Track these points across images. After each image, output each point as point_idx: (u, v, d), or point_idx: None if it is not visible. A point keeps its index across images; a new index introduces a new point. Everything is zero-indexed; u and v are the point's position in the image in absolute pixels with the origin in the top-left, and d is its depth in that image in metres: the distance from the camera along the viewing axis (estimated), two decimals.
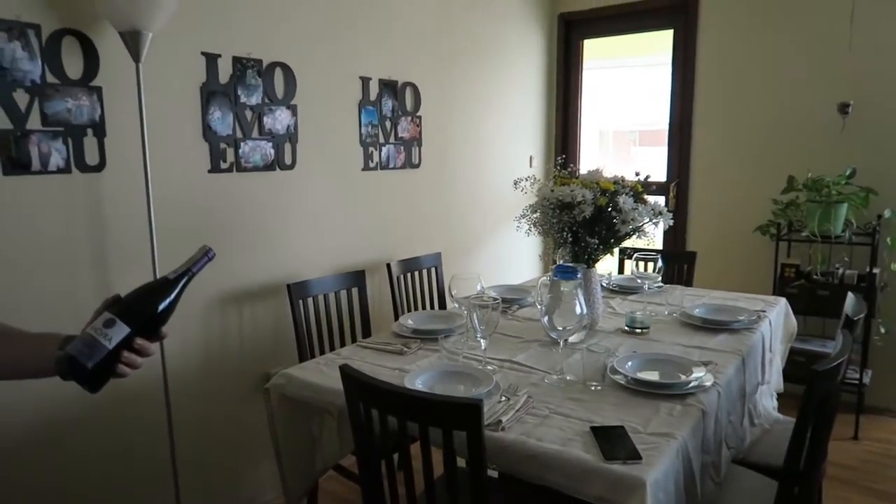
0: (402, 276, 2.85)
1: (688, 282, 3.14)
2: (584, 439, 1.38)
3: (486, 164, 3.65)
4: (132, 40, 1.85)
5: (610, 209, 2.04)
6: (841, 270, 3.19)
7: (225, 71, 2.30)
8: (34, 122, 1.82)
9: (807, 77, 3.41)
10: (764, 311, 2.37)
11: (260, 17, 2.39)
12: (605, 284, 2.80)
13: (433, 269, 3.05)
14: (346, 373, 1.41)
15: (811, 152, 3.42)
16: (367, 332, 2.58)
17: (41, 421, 1.91)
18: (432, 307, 2.99)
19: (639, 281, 2.46)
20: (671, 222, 2.13)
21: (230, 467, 2.45)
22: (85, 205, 1.96)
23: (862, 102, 3.24)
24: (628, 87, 4.35)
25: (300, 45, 2.54)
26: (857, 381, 3.16)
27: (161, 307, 1.02)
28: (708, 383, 1.65)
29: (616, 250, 2.72)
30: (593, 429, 1.41)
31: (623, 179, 2.15)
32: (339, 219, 2.81)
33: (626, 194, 2.07)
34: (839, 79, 3.30)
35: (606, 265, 3.06)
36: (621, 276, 2.71)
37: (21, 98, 1.78)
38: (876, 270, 3.11)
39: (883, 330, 3.24)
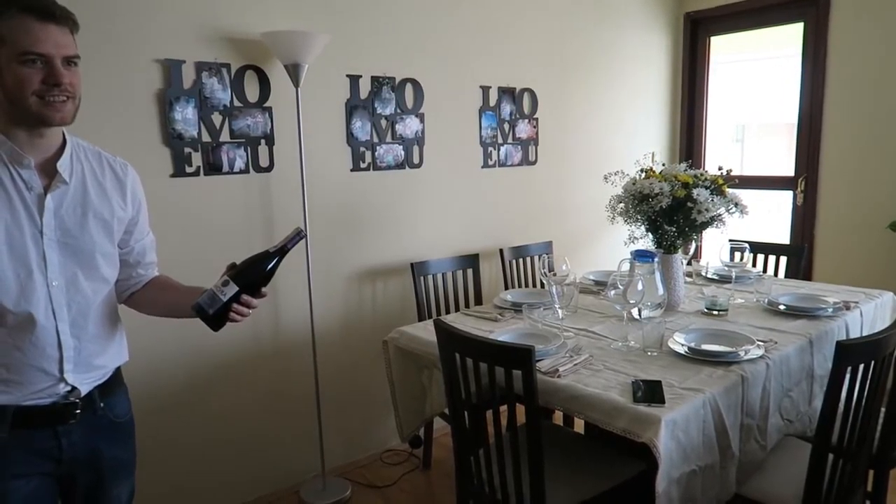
0: (513, 261, 3.22)
1: (801, 275, 3.17)
2: (622, 388, 1.68)
3: (604, 161, 3.88)
4: (293, 71, 2.41)
5: (688, 201, 2.26)
6: None
7: (365, 88, 2.82)
8: (225, 135, 2.45)
9: None
10: (856, 303, 2.43)
11: (393, 42, 2.88)
12: (703, 273, 2.96)
13: (545, 257, 3.38)
14: (438, 325, 1.82)
15: None
16: (478, 305, 2.99)
17: (225, 359, 2.54)
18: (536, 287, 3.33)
19: (727, 269, 2.62)
20: (747, 214, 2.29)
21: (364, 413, 2.99)
22: (259, 197, 2.56)
23: None
24: (757, 80, 4.32)
25: (427, 62, 3.00)
26: None
27: (261, 274, 1.36)
28: (756, 355, 1.85)
29: (728, 242, 2.88)
30: (634, 381, 1.70)
31: (704, 174, 2.35)
32: (460, 210, 3.24)
33: (705, 187, 2.27)
34: None
35: (712, 256, 3.20)
36: (718, 265, 2.84)
37: (216, 118, 2.42)
38: None
39: None
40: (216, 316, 1.35)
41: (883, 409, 1.92)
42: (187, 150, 2.36)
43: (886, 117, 3.51)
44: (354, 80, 2.78)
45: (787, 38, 3.92)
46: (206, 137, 2.40)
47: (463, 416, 1.84)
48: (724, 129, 4.44)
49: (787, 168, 3.99)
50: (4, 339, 1.25)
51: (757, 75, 4.28)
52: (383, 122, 2.90)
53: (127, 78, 2.21)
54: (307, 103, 2.60)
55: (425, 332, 2.22)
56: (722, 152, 4.45)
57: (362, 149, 2.85)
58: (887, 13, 3.44)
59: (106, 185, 1.38)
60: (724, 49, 4.32)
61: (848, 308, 2.36)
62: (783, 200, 4.03)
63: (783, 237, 4.04)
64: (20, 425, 1.28)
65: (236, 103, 2.46)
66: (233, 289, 1.33)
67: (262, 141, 2.55)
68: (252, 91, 2.50)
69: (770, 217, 4.12)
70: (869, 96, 3.56)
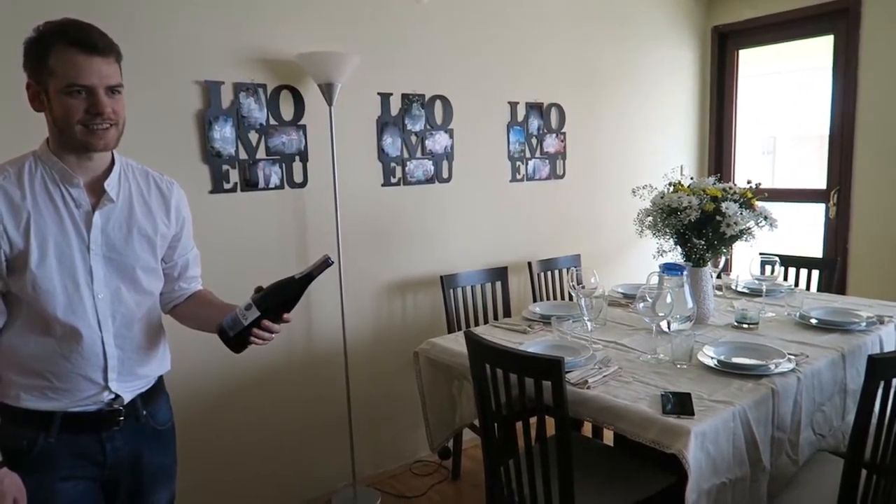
0: (541, 274, 3.25)
1: (833, 289, 3.13)
2: (652, 400, 1.69)
3: (632, 175, 3.89)
4: (327, 90, 2.49)
5: (716, 214, 2.27)
6: None
7: (395, 105, 2.89)
8: (261, 152, 2.53)
9: None
10: (891, 317, 2.40)
11: (423, 60, 2.95)
12: (733, 286, 2.95)
13: (574, 270, 3.40)
14: (469, 336, 1.86)
15: None
16: (507, 317, 3.01)
17: (259, 369, 2.61)
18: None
19: (758, 283, 2.61)
20: (777, 227, 2.28)
21: (394, 424, 3.03)
22: (293, 212, 2.64)
23: None
24: (788, 92, 4.29)
25: (456, 79, 3.07)
26: None
27: (284, 300, 1.36)
28: (787, 369, 1.84)
29: (758, 256, 2.87)
30: (663, 393, 1.71)
31: (733, 188, 2.35)
32: (488, 223, 3.29)
33: (733, 200, 2.28)
34: None
35: (743, 270, 3.18)
36: (748, 279, 2.83)
37: (253, 136, 2.51)
38: None
39: None
40: (236, 338, 1.36)
41: None
42: (225, 167, 2.45)
43: None
44: (385, 97, 2.85)
45: (818, 50, 3.91)
46: (242, 155, 2.49)
47: (493, 427, 1.87)
48: (754, 141, 4.42)
49: (820, 179, 3.95)
50: (53, 348, 1.32)
51: (787, 87, 4.26)
52: (413, 138, 2.96)
53: (170, 99, 2.31)
54: (340, 121, 2.67)
55: (456, 343, 2.26)
56: (752, 165, 4.42)
57: (393, 164, 2.91)
58: None
59: (151, 202, 1.45)
60: (754, 62, 4.31)
61: (882, 322, 2.34)
62: (816, 214, 3.99)
63: (816, 251, 3.99)
64: (67, 431, 1.35)
65: (272, 122, 2.55)
66: (255, 313, 1.34)
67: (297, 157, 2.63)
68: (287, 110, 2.59)
69: (803, 230, 4.08)
70: None
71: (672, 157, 4.16)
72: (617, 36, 3.76)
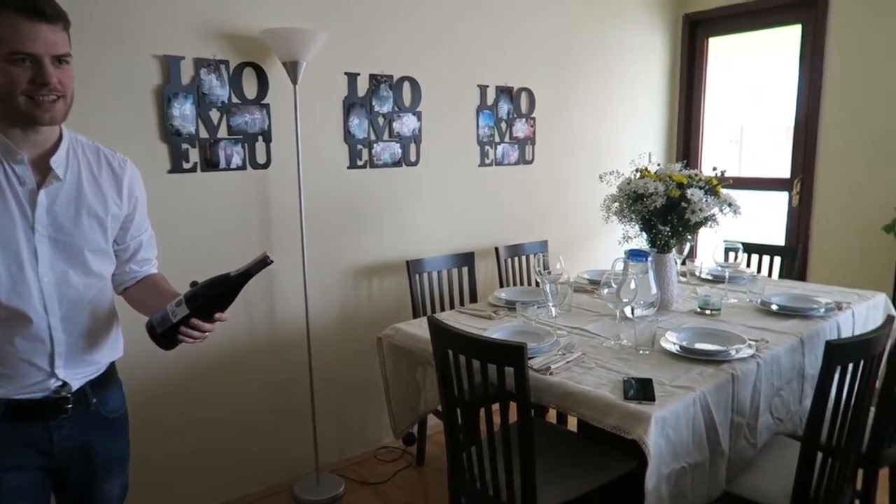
0: (508, 259, 3.24)
1: (794, 275, 3.18)
2: (614, 385, 1.69)
3: (600, 162, 3.89)
4: (292, 68, 2.42)
5: (682, 201, 2.27)
6: None
7: (363, 86, 2.83)
8: (223, 131, 2.45)
9: None
10: (849, 303, 2.44)
11: (392, 40, 2.89)
12: (696, 273, 2.98)
13: (541, 256, 3.40)
14: (431, 321, 1.83)
15: None
16: (473, 303, 3.00)
17: (219, 354, 2.56)
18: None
19: (721, 269, 2.63)
20: (740, 214, 2.30)
21: (358, 410, 3.01)
22: (256, 193, 2.57)
23: None
24: (756, 82, 4.33)
25: (425, 61, 3.02)
26: None
27: (217, 299, 1.29)
28: (747, 354, 1.86)
29: (723, 244, 2.90)
30: (626, 380, 1.71)
31: (698, 174, 2.36)
32: (456, 208, 3.26)
33: (699, 187, 2.28)
34: None
35: (706, 257, 3.21)
36: (712, 265, 2.86)
37: (214, 115, 2.43)
38: None
39: None
40: (164, 336, 1.30)
41: (873, 409, 1.94)
42: (185, 146, 2.37)
43: (883, 120, 3.52)
44: (352, 77, 2.79)
45: (788, 41, 3.94)
46: (203, 133, 2.41)
47: (456, 413, 1.86)
48: (722, 130, 4.46)
49: (785, 169, 4.01)
50: None
51: (756, 77, 4.29)
52: (381, 120, 2.91)
53: (126, 74, 2.22)
54: (305, 101, 2.61)
55: (420, 329, 2.24)
56: (719, 153, 4.46)
57: (359, 146, 2.86)
58: (885, 16, 3.46)
59: (102, 181, 1.38)
60: (724, 50, 4.33)
61: (840, 309, 2.38)
62: (779, 202, 4.05)
63: (779, 238, 4.06)
64: (11, 419, 1.29)
65: (234, 100, 2.47)
66: (184, 310, 1.27)
67: (260, 138, 2.56)
68: (250, 88, 2.51)
69: (766, 218, 4.14)
70: (866, 99, 3.58)
71: (641, 144, 4.17)
72: (588, 21, 3.74)
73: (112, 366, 1.49)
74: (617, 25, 3.93)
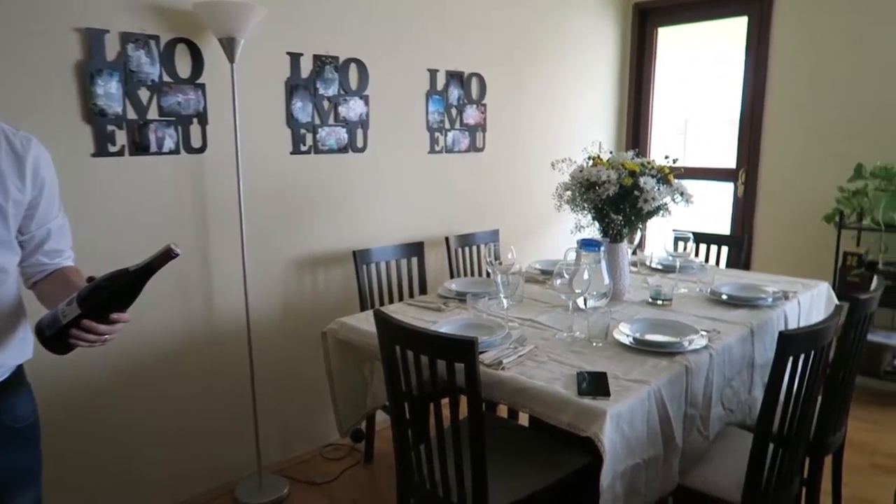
0: (459, 249, 3.16)
1: (741, 265, 3.22)
2: (567, 380, 1.63)
3: (552, 150, 3.85)
4: (228, 45, 2.26)
5: (634, 189, 2.23)
6: None
7: (306, 67, 2.68)
8: (153, 112, 2.28)
9: (882, 63, 3.36)
10: (795, 292, 2.47)
11: (337, 19, 2.75)
12: (647, 263, 2.97)
13: (491, 245, 3.33)
14: (378, 315, 1.73)
15: (883, 140, 3.37)
16: (423, 295, 2.91)
17: (152, 350, 2.39)
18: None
19: (671, 259, 2.62)
20: (692, 203, 2.28)
21: (303, 407, 2.88)
22: (190, 179, 2.41)
23: None
24: (702, 75, 4.37)
25: (373, 42, 2.89)
26: None
27: (114, 297, 1.14)
28: (700, 346, 1.84)
29: (673, 233, 2.89)
30: (579, 373, 1.66)
31: (651, 162, 2.33)
32: (405, 197, 3.15)
33: (651, 175, 2.25)
34: None
35: (655, 247, 3.22)
36: (663, 255, 2.85)
37: (144, 94, 2.25)
38: None
39: None
40: (53, 339, 1.15)
41: (819, 398, 1.95)
42: (111, 127, 2.19)
43: (824, 112, 3.59)
44: (295, 58, 2.64)
45: (734, 33, 3.98)
46: (131, 114, 2.24)
47: (404, 410, 1.77)
48: (669, 120, 4.49)
49: (730, 160, 4.06)
50: None
51: (703, 68, 4.33)
52: (326, 104, 2.77)
53: (42, 48, 2.03)
54: (244, 81, 2.45)
55: (366, 322, 2.13)
56: (667, 143, 4.49)
57: (303, 131, 2.72)
58: (828, 9, 3.52)
59: (1, 163, 1.23)
60: (673, 41, 4.35)
61: (787, 298, 2.40)
62: (725, 192, 4.10)
63: (724, 228, 4.11)
64: None
65: (166, 79, 2.30)
66: (75, 311, 1.12)
67: (195, 120, 2.39)
68: (183, 66, 2.34)
69: (712, 208, 4.19)
70: (808, 92, 3.64)
71: (592, 133, 4.16)
72: (539, 8, 3.68)
73: (19, 369, 1.34)
74: (568, 13, 3.88)
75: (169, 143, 2.34)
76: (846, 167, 3.33)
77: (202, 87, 2.39)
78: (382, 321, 1.71)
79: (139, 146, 2.27)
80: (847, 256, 3.30)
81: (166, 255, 1.14)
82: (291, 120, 2.67)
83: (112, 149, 2.20)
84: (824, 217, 3.42)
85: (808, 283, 2.67)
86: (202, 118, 2.41)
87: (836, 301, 2.74)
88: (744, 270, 3.13)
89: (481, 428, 1.55)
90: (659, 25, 4.34)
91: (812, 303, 2.56)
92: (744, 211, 3.99)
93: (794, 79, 3.69)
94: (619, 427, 1.48)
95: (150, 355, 2.38)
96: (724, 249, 3.28)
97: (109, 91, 2.17)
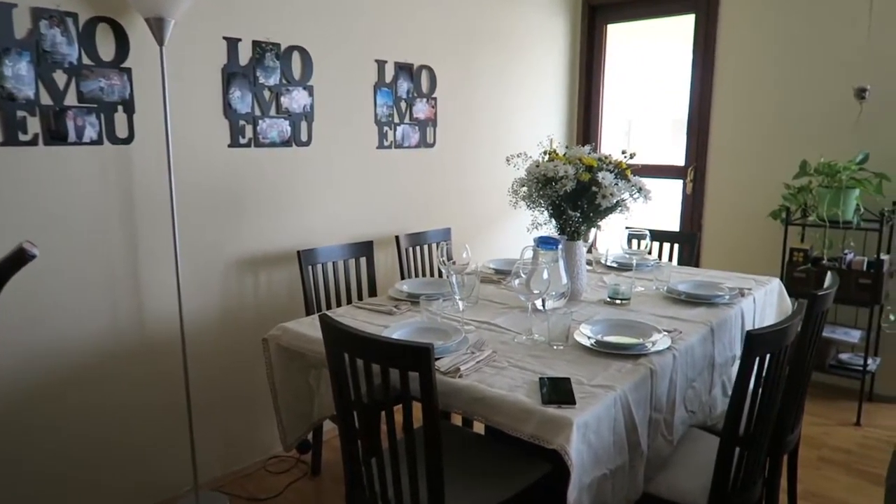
0: (410, 249, 3.03)
1: (692, 262, 3.20)
2: (529, 387, 1.53)
3: (504, 145, 3.77)
4: (156, 26, 2.06)
5: (592, 185, 2.16)
6: (849, 256, 3.20)
7: (245, 54, 2.50)
8: (71, 99, 2.06)
9: (825, 61, 3.41)
10: (749, 289, 2.45)
11: (279, 3, 2.58)
12: (603, 261, 2.91)
13: (444, 245, 3.22)
14: (324, 320, 1.59)
15: (827, 137, 3.42)
16: (372, 297, 2.77)
17: (78, 361, 2.17)
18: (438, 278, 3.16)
19: (627, 257, 2.57)
20: (650, 199, 2.23)
21: (245, 417, 2.70)
22: (115, 172, 2.20)
23: (878, 88, 3.22)
24: (651, 75, 4.39)
25: (317, 29, 2.73)
26: (861, 368, 3.18)
27: None
28: (663, 347, 1.77)
29: (626, 232, 2.83)
30: (541, 379, 1.56)
31: (608, 157, 2.26)
32: (353, 193, 3.00)
33: (609, 170, 2.18)
34: (857, 64, 3.29)
35: (612, 243, 3.17)
36: (619, 253, 2.80)
37: (60, 78, 2.03)
38: (885, 257, 3.11)
39: (892, 317, 3.24)
40: None
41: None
42: (21, 113, 1.97)
43: (767, 108, 3.63)
44: (233, 43, 2.46)
45: (683, 31, 3.98)
46: (46, 100, 2.01)
47: (353, 421, 1.63)
48: (619, 117, 4.48)
49: (677, 159, 4.07)
50: None
51: (653, 66, 4.34)
52: (267, 94, 2.59)
53: None
54: (175, 66, 2.26)
55: (312, 327, 1.98)
56: (617, 140, 4.48)
57: (242, 122, 2.53)
58: (772, 7, 3.55)
59: None
60: (623, 38, 4.34)
61: (743, 295, 2.37)
62: (674, 189, 4.11)
63: (673, 225, 4.12)
64: None
65: (86, 61, 2.08)
66: None
67: (120, 107, 2.18)
68: (106, 48, 2.13)
69: (660, 205, 4.19)
70: (754, 88, 3.68)
71: (544, 128, 4.09)
72: (489, 0, 3.59)
73: None
74: (518, 6, 3.80)
75: (90, 133, 2.12)
76: (792, 164, 3.36)
77: (128, 71, 2.18)
78: (329, 327, 1.56)
79: (55, 135, 2.04)
80: (793, 252, 3.33)
81: (19, 257, 0.97)
82: (229, 110, 2.48)
83: (23, 137, 1.98)
84: (770, 214, 3.44)
85: (761, 279, 2.67)
86: (128, 106, 2.20)
87: (787, 297, 2.74)
88: (694, 268, 3.12)
89: (438, 441, 1.43)
90: (608, 22, 4.32)
91: (766, 299, 2.55)
92: (693, 208, 4.01)
93: (741, 76, 3.72)
94: (585, 437, 1.39)
95: (71, 366, 2.16)
96: (675, 247, 3.26)
97: (19, 73, 1.95)
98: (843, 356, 3.38)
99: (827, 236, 3.25)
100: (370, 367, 1.51)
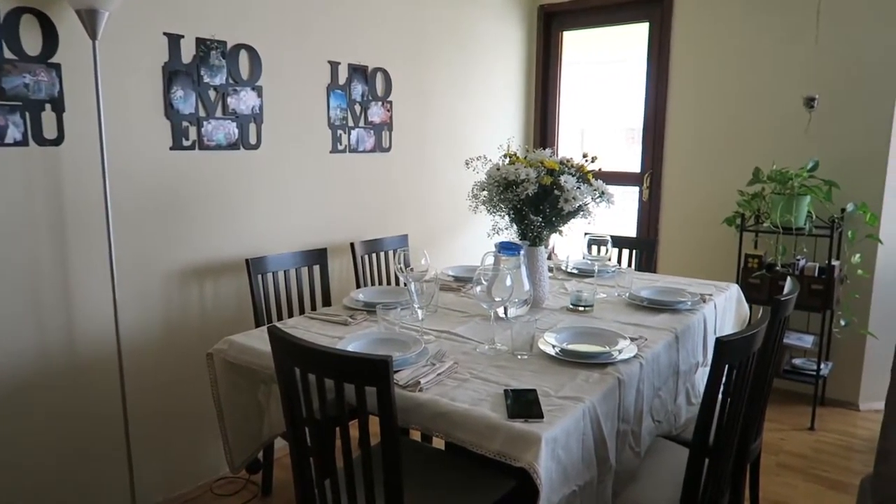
0: (365, 256, 2.92)
1: (651, 268, 3.19)
2: (494, 400, 1.44)
3: (462, 150, 3.69)
4: (88, 18, 1.91)
5: (554, 188, 2.10)
6: (801, 262, 3.23)
7: (188, 51, 2.36)
8: None
9: (775, 70, 3.46)
10: (710, 295, 2.43)
11: None
12: (563, 267, 2.86)
13: (401, 252, 3.12)
14: (273, 332, 1.47)
15: (778, 145, 3.47)
16: (327, 307, 2.64)
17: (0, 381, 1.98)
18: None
19: (588, 263, 2.52)
20: (613, 203, 2.18)
21: (190, 437, 2.53)
22: (42, 176, 2.02)
23: (828, 97, 3.29)
24: (607, 84, 4.40)
25: (266, 27, 2.60)
26: (814, 373, 3.22)
27: None
28: (630, 355, 1.71)
29: (587, 237, 2.79)
30: (506, 391, 1.48)
31: (570, 160, 2.21)
32: (306, 199, 2.87)
33: (570, 174, 2.12)
34: (806, 73, 3.35)
35: (570, 249, 3.13)
36: (579, 259, 2.76)
37: None
38: (836, 263, 3.15)
39: (843, 323, 3.29)
40: None
41: None
42: None
43: (721, 116, 3.67)
44: (174, 40, 2.31)
45: (638, 38, 4.00)
46: None
47: (304, 439, 1.52)
48: (574, 125, 4.47)
49: (633, 165, 4.08)
50: None
51: (604, 77, 4.36)
52: (212, 94, 2.45)
53: None
54: (110, 63, 2.10)
55: (261, 340, 1.85)
56: (573, 147, 4.47)
57: (185, 123, 2.39)
58: (725, 18, 3.60)
59: None
60: (578, 48, 4.34)
61: (704, 301, 2.35)
62: (630, 196, 4.11)
63: (628, 231, 4.13)
64: None
65: (8, 55, 1.91)
66: None
67: (48, 106, 2.01)
68: (31, 41, 1.96)
69: (617, 212, 4.20)
70: (706, 95, 3.71)
71: (502, 134, 4.04)
72: (445, 3, 3.52)
73: None
74: (473, 10, 3.75)
75: (14, 133, 1.95)
76: (745, 171, 3.40)
77: (57, 67, 2.02)
78: (278, 339, 1.45)
79: None
80: (748, 259, 3.36)
81: None
82: (171, 111, 2.33)
83: None
84: (725, 220, 3.47)
85: (720, 285, 2.66)
86: (57, 104, 2.03)
87: (745, 303, 2.74)
88: (652, 273, 3.10)
89: (398, 462, 1.33)
90: (564, 29, 4.31)
91: (726, 305, 2.54)
92: (650, 214, 4.02)
93: (695, 84, 3.75)
94: (554, 453, 1.31)
95: None
96: (634, 253, 3.24)
97: None
98: (797, 361, 3.42)
99: (780, 242, 3.28)
100: (323, 382, 1.39)
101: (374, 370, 1.29)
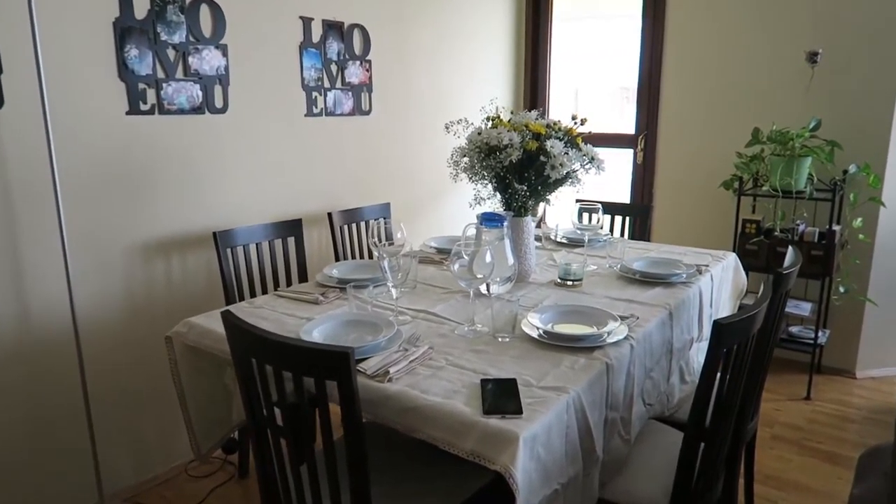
0: (344, 227, 2.76)
1: (645, 235, 3.05)
2: (470, 392, 1.32)
3: (446, 114, 3.50)
4: None
5: (540, 154, 1.94)
6: (801, 227, 3.10)
7: (142, 6, 2.16)
8: None
9: (776, 24, 3.26)
10: (706, 266, 2.30)
11: None
12: (552, 237, 2.72)
13: (375, 224, 2.96)
14: (226, 318, 1.33)
15: (779, 104, 3.29)
16: (304, 282, 2.51)
17: None
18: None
19: (579, 232, 2.38)
20: (603, 170, 2.03)
21: (161, 419, 2.41)
22: None
23: (830, 51, 3.10)
24: (600, 41, 4.18)
25: None
26: (811, 341, 3.11)
27: None
28: (620, 337, 1.58)
29: (577, 206, 2.64)
30: (483, 381, 1.35)
31: (557, 123, 2.04)
32: (279, 166, 2.71)
33: (558, 139, 1.96)
34: (808, 27, 3.16)
35: (561, 216, 2.98)
36: (568, 228, 2.61)
37: None
38: (836, 228, 3.02)
39: (842, 289, 3.17)
40: None
41: None
42: None
43: (718, 74, 3.48)
44: None
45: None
46: None
47: (265, 433, 1.39)
48: (564, 87, 4.27)
49: (627, 127, 3.90)
50: None
51: (597, 36, 4.14)
52: (171, 53, 2.26)
53: None
54: (50, 18, 1.91)
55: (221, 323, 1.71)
56: (565, 108, 4.28)
57: (142, 85, 2.20)
58: None
59: None
60: (569, 3, 4.11)
61: (700, 272, 2.22)
62: (624, 159, 3.95)
63: (622, 196, 3.97)
64: None
65: None
66: None
67: None
68: None
69: (610, 176, 4.04)
70: (703, 54, 3.52)
71: (489, 95, 3.84)
72: None
73: None
74: None
75: None
76: (744, 132, 3.23)
77: None
78: (232, 327, 1.31)
79: None
80: (745, 224, 3.22)
81: None
82: (125, 71, 2.14)
83: None
84: (722, 184, 3.32)
85: (717, 254, 2.52)
86: None
87: (742, 272, 2.62)
88: (646, 242, 2.96)
89: (364, 463, 1.20)
90: None
91: (723, 275, 2.41)
92: (643, 179, 3.86)
93: (692, 42, 3.55)
94: (534, 452, 1.18)
95: None
96: (628, 220, 3.10)
97: None
98: (794, 329, 3.32)
99: (779, 207, 3.14)
100: (281, 373, 1.26)
101: (334, 363, 1.16)
